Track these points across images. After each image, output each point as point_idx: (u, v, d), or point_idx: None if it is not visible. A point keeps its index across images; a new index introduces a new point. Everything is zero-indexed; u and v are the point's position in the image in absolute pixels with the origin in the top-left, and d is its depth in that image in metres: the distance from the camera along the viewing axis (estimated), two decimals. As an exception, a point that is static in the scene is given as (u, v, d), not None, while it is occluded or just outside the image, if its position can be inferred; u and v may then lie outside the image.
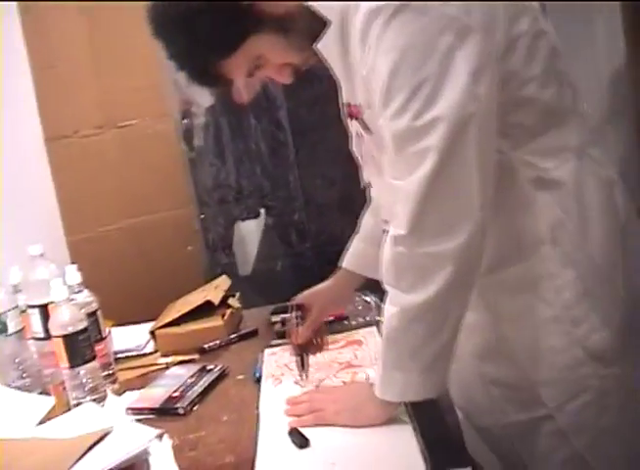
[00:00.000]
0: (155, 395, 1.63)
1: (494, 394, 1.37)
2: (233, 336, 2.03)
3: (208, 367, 1.76)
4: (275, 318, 2.09)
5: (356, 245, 1.71)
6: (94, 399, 1.60)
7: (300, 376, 1.63)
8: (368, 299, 2.11)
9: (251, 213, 3.14)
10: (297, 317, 1.69)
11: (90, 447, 1.29)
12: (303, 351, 1.66)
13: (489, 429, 1.43)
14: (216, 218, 3.08)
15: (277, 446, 1.34)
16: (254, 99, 2.86)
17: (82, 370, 1.60)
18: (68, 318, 1.60)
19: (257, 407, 1.52)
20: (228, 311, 2.10)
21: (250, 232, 3.22)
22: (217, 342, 1.99)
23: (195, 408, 1.57)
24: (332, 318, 1.94)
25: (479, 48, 1.13)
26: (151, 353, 2.03)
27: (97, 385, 1.63)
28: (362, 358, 1.70)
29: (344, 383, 1.57)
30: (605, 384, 1.27)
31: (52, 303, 1.66)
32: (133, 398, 1.66)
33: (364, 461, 1.26)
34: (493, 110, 1.18)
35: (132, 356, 2.02)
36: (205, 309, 2.10)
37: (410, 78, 1.13)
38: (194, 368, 1.77)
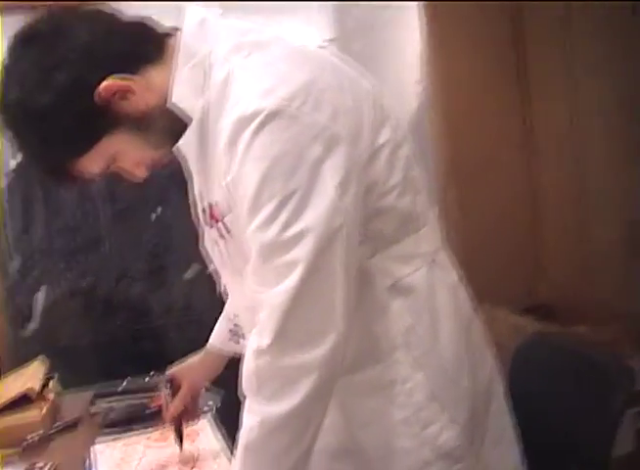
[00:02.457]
0: (-19, 503, 1.52)
1: (344, 492, 1.38)
2: (55, 428, 1.93)
3: (38, 465, 1.66)
4: (98, 405, 2.02)
5: (221, 323, 1.71)
6: None
7: (180, 447, 1.67)
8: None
9: (61, 285, 3.03)
10: (169, 391, 1.69)
11: None
12: (179, 422, 1.68)
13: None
14: (23, 290, 2.94)
15: None
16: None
17: None
18: None
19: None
20: (48, 401, 1.99)
21: (54, 306, 3.09)
22: (40, 433, 1.88)
23: (30, 516, 1.48)
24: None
25: (345, 158, 1.15)
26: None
27: None
28: (204, 452, 1.69)
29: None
30: None
31: None
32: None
33: None
34: (358, 220, 1.21)
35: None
36: (23, 397, 1.97)
37: (279, 189, 1.13)
38: (20, 468, 1.66)
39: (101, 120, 1.22)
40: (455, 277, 1.41)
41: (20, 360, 2.40)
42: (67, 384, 2.26)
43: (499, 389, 1.46)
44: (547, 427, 1.93)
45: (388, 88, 3.27)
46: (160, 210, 3.19)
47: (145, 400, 2.02)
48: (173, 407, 1.68)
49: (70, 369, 2.77)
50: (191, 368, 1.74)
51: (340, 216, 1.15)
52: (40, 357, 2.25)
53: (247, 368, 1.23)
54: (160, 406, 1.82)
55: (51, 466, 1.66)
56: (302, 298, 1.15)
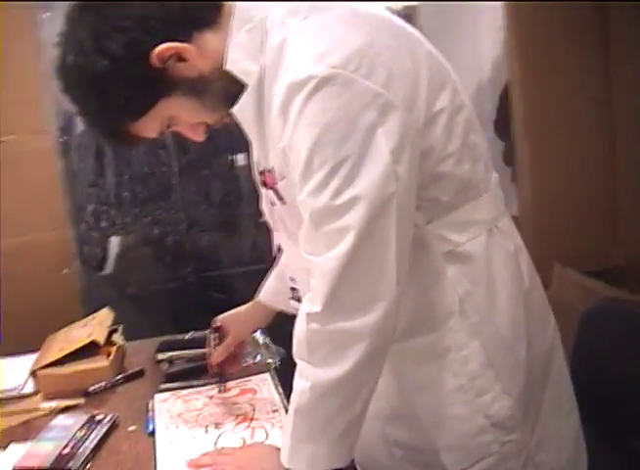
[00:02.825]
0: (43, 451, 1.55)
1: (397, 455, 1.38)
2: (119, 377, 1.96)
3: (98, 417, 1.69)
4: (161, 356, 2.05)
5: (270, 280, 1.75)
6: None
7: (220, 391, 1.79)
8: (259, 338, 2.10)
9: (132, 233, 3.08)
10: (215, 339, 1.78)
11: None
12: (222, 368, 1.80)
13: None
14: (94, 239, 3.00)
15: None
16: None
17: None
18: None
19: (155, 467, 1.48)
20: (113, 350, 2.03)
21: (126, 253, 3.15)
22: (103, 384, 1.92)
23: (88, 467, 1.51)
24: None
25: (400, 124, 1.13)
26: (30, 395, 1.93)
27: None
28: (259, 410, 1.69)
29: (244, 440, 1.55)
30: (506, 450, 1.30)
31: None
32: (19, 452, 1.58)
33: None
34: (413, 187, 1.19)
35: (11, 398, 1.92)
36: (88, 346, 2.02)
37: (331, 156, 1.12)
38: (82, 418, 1.69)
39: (157, 84, 1.23)
40: (517, 243, 1.38)
41: (91, 306, 2.45)
42: (133, 333, 2.29)
43: (559, 358, 1.44)
44: (611, 393, 1.90)
45: (467, 33, 3.23)
46: (231, 159, 3.21)
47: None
48: (217, 354, 1.77)
49: (139, 317, 2.84)
50: (238, 318, 1.81)
51: (393, 183, 1.13)
52: (105, 310, 2.28)
53: (298, 333, 1.24)
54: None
55: (111, 418, 1.69)
56: (354, 264, 1.15)
